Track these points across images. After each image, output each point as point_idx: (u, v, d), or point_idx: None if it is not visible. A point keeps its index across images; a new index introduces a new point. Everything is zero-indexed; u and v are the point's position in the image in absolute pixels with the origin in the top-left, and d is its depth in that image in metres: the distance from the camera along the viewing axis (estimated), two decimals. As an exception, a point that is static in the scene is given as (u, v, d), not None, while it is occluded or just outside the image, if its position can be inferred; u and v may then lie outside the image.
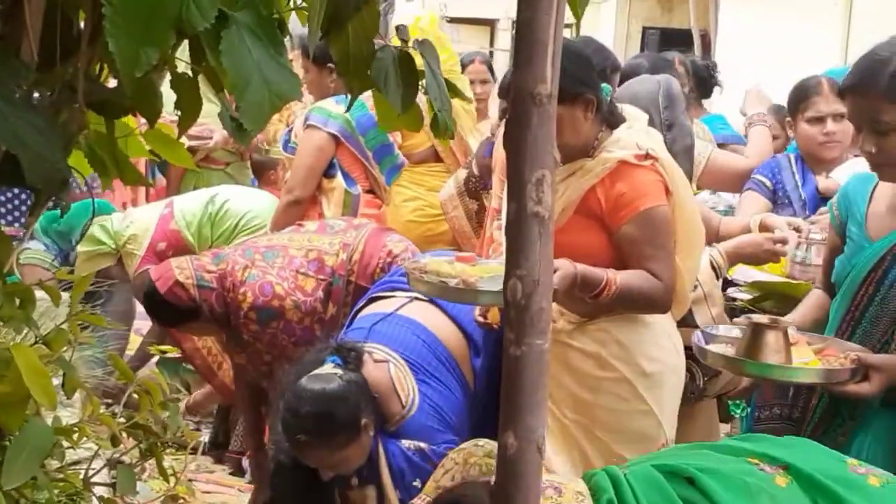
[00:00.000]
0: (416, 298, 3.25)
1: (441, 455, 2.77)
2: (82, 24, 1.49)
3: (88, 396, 1.70)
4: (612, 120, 2.95)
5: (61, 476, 1.64)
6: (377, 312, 3.23)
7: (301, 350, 3.41)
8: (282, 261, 3.58)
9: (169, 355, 5.26)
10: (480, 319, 3.09)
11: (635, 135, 2.93)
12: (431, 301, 3.21)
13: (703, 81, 5.63)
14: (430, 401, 3.00)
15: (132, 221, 4.70)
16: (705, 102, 5.88)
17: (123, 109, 1.58)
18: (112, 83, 1.63)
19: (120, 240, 4.64)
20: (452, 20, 28.90)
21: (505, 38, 27.32)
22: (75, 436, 1.60)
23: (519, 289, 1.41)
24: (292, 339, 3.52)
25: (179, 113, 1.53)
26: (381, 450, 2.91)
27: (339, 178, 4.31)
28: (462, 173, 4.63)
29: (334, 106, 4.32)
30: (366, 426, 2.88)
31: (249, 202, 4.78)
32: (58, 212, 4.85)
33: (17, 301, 1.72)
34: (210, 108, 1.71)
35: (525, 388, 1.43)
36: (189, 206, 4.76)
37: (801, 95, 3.84)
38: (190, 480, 4.27)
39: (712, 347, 2.69)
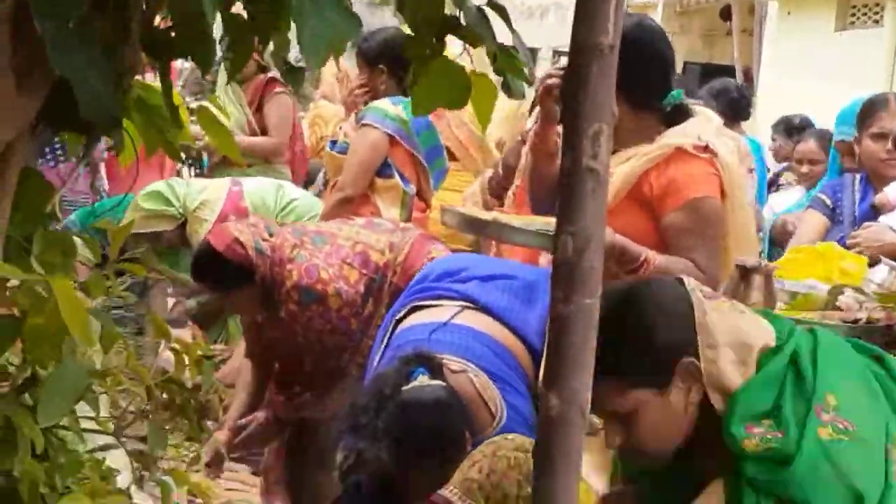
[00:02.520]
0: (466, 307, 3.11)
1: None
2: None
3: (124, 347, 1.69)
4: (678, 118, 2.92)
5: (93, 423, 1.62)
6: (431, 322, 3.07)
7: (335, 338, 3.44)
8: (329, 248, 3.57)
9: None
10: None
11: (700, 127, 2.90)
12: (485, 310, 3.09)
13: (737, 103, 5.80)
14: (514, 408, 2.87)
15: (204, 187, 4.68)
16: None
17: (175, 52, 1.57)
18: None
19: (191, 203, 4.62)
20: (493, 48, 29.01)
21: (546, 67, 27.36)
22: (109, 380, 1.58)
23: (570, 245, 1.38)
24: (328, 325, 3.49)
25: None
26: None
27: (397, 177, 4.31)
28: (488, 172, 4.62)
29: (391, 106, 4.32)
30: (468, 441, 2.75)
31: (315, 206, 4.82)
32: (95, 207, 4.84)
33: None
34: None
35: (571, 348, 1.39)
36: (257, 188, 4.79)
37: (868, 111, 3.83)
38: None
39: None
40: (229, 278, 3.58)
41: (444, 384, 2.76)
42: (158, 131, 1.81)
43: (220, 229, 3.67)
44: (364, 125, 4.31)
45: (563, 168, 1.39)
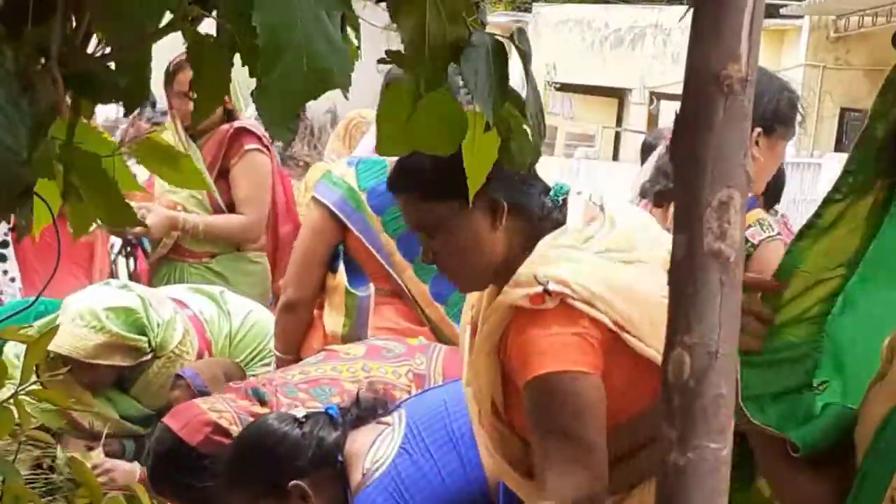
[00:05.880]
0: None
1: None
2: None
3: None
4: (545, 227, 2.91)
5: None
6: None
7: None
8: (339, 398, 3.52)
9: None
10: None
11: (546, 253, 2.82)
12: None
13: None
14: (395, 476, 3.18)
15: (175, 312, 4.38)
16: None
17: (111, 90, 1.55)
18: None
19: (169, 340, 4.29)
20: (564, 87, 28.92)
21: (638, 115, 26.99)
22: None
23: (687, 364, 1.32)
24: None
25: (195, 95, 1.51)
26: None
27: (341, 271, 4.11)
28: None
29: (343, 167, 4.15)
30: (299, 492, 3.16)
31: (270, 322, 4.64)
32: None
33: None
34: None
35: (692, 514, 1.34)
36: (207, 310, 4.56)
37: None
38: None
39: None
40: (208, 480, 3.39)
41: (304, 422, 3.25)
42: (101, 196, 1.78)
43: (189, 416, 3.48)
44: (312, 198, 4.16)
45: (674, 253, 1.34)
